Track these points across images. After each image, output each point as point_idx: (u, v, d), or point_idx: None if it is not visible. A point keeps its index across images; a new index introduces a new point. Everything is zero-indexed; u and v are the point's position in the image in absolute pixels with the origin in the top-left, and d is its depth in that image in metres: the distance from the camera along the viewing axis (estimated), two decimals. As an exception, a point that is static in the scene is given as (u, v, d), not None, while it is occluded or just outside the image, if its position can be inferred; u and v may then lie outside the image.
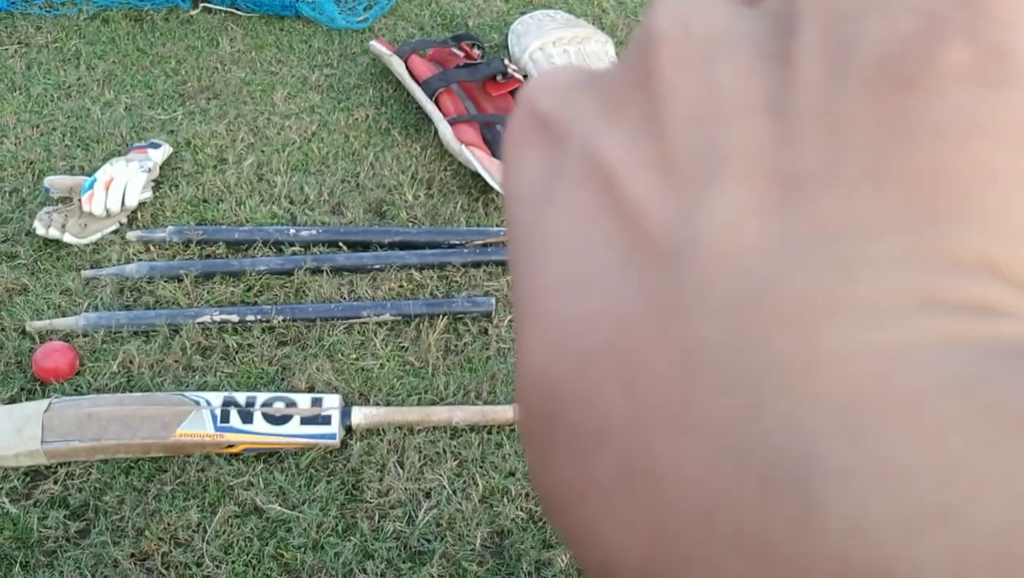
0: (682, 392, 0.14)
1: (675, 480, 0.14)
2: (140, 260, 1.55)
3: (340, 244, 1.59)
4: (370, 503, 1.21)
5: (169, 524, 1.18)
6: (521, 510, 1.21)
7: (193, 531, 1.18)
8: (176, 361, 1.39)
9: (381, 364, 1.39)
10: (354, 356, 1.40)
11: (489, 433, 1.29)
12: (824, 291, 0.14)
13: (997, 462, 0.12)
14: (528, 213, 0.18)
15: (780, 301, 0.14)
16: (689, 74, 0.16)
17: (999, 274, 0.14)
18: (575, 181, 0.17)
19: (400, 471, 1.25)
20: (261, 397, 1.29)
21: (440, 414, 1.30)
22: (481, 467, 1.25)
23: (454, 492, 1.23)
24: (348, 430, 1.29)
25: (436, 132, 1.77)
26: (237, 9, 2.19)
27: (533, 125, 0.19)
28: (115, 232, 1.59)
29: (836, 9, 0.15)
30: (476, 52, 2.00)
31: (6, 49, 2.05)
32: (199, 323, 1.43)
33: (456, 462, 1.26)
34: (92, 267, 1.53)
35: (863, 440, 0.13)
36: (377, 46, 1.96)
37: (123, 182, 1.60)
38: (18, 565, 1.14)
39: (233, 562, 1.15)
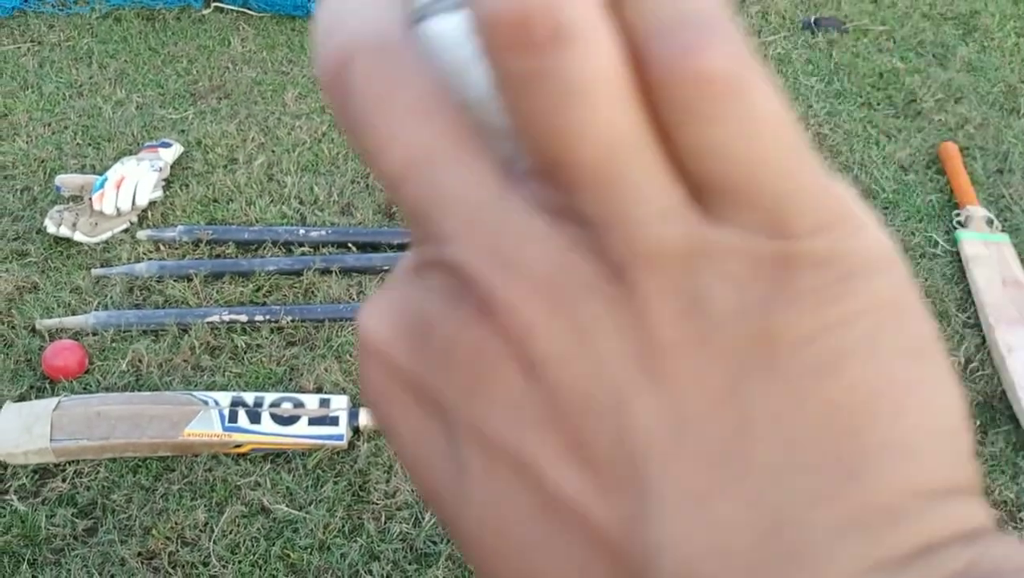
0: None
1: None
2: (150, 259, 1.55)
3: (349, 245, 1.59)
4: (377, 504, 1.21)
5: (176, 523, 1.19)
6: (528, 513, 1.21)
7: (200, 530, 1.18)
8: (185, 360, 1.39)
9: (389, 365, 1.39)
10: (362, 357, 1.40)
11: (496, 435, 1.29)
12: None
13: None
14: (447, 510, 0.17)
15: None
16: (562, 337, 0.15)
17: (926, 494, 0.15)
18: (485, 475, 0.16)
19: (407, 473, 1.25)
20: (269, 397, 1.29)
21: (447, 416, 1.30)
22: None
23: (461, 494, 1.23)
24: (355, 431, 1.29)
25: (446, 133, 1.77)
26: (249, 9, 2.19)
27: (397, 385, 0.17)
28: (125, 231, 1.60)
29: (668, 260, 0.15)
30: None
31: (19, 47, 2.06)
32: (208, 323, 1.43)
33: (463, 464, 1.26)
34: (102, 266, 1.54)
35: None
36: (388, 47, 1.96)
37: (134, 181, 1.61)
38: (26, 562, 1.15)
39: (240, 562, 1.15)
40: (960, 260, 1.60)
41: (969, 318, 1.50)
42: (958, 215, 1.68)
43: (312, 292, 1.51)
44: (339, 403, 1.29)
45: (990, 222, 1.66)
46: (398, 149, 0.16)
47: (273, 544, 1.17)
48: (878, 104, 1.98)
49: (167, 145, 1.73)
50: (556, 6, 0.14)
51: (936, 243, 1.64)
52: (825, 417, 0.15)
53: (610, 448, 0.15)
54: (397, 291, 0.17)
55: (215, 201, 1.68)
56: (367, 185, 1.72)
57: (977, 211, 1.67)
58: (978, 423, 1.34)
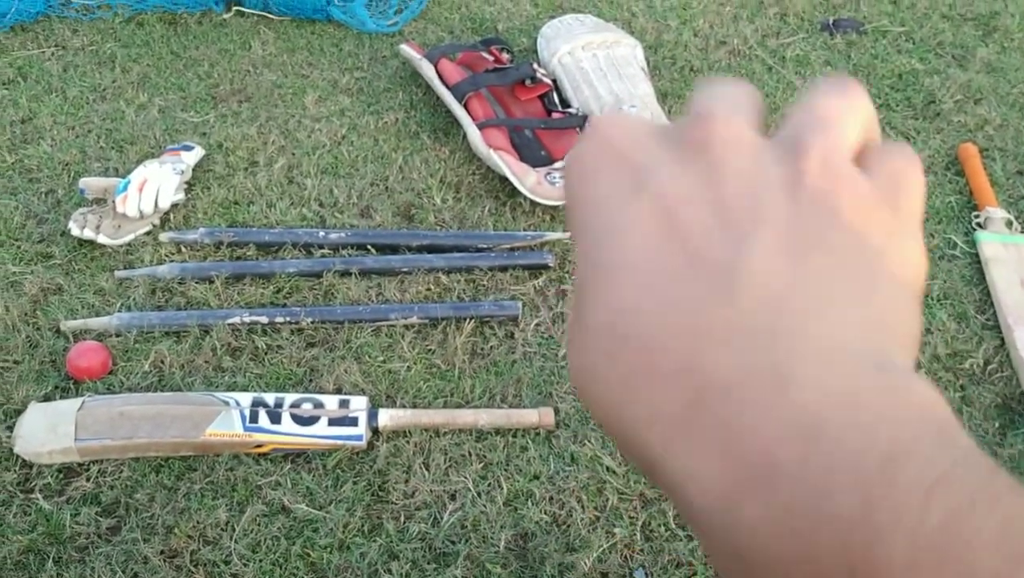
0: (719, 322, 0.22)
1: (719, 384, 0.21)
2: (172, 261, 1.57)
3: (369, 247, 1.60)
4: (396, 504, 1.22)
5: (198, 522, 1.20)
6: (545, 513, 1.21)
7: (222, 529, 1.20)
8: (206, 361, 1.40)
9: (408, 367, 1.40)
10: (381, 358, 1.41)
11: (514, 436, 1.30)
12: (805, 329, 0.22)
13: None
14: (603, 216, 0.25)
15: (791, 317, 0.22)
16: (740, 156, 0.25)
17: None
18: (648, 205, 0.24)
19: (425, 473, 1.26)
20: (289, 398, 1.31)
21: (466, 417, 1.31)
22: (506, 470, 1.26)
23: (479, 494, 1.24)
24: (375, 432, 1.30)
25: (465, 136, 1.78)
26: (269, 13, 2.21)
27: (609, 154, 0.26)
28: (148, 233, 1.62)
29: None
30: (505, 56, 2.01)
31: (43, 52, 2.09)
32: (229, 324, 1.45)
33: (481, 465, 1.27)
34: (125, 268, 1.56)
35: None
36: (407, 50, 1.98)
37: (156, 184, 1.62)
38: (51, 560, 1.17)
39: (260, 561, 1.17)
40: (979, 262, 1.59)
41: (988, 320, 1.50)
42: (977, 216, 1.68)
43: (332, 294, 1.52)
44: (358, 404, 1.30)
45: (1009, 224, 1.65)
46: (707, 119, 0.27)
47: (293, 543, 1.18)
48: (897, 105, 1.98)
49: (189, 148, 1.75)
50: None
51: (955, 245, 1.64)
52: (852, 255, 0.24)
53: (745, 206, 0.24)
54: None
55: (236, 203, 1.69)
56: (386, 188, 1.73)
57: (996, 212, 1.66)
58: (997, 425, 1.34)
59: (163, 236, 1.61)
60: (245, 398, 1.30)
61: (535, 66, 1.88)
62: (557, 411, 1.33)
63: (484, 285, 1.54)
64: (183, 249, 1.60)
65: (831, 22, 2.23)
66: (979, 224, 1.66)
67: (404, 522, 1.21)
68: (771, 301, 0.22)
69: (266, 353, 1.42)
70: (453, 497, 1.24)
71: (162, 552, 1.18)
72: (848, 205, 0.24)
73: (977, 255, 1.61)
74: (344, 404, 1.30)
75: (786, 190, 0.24)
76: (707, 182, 0.24)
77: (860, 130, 0.27)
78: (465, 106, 1.80)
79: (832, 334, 0.22)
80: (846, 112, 0.27)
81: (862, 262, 0.23)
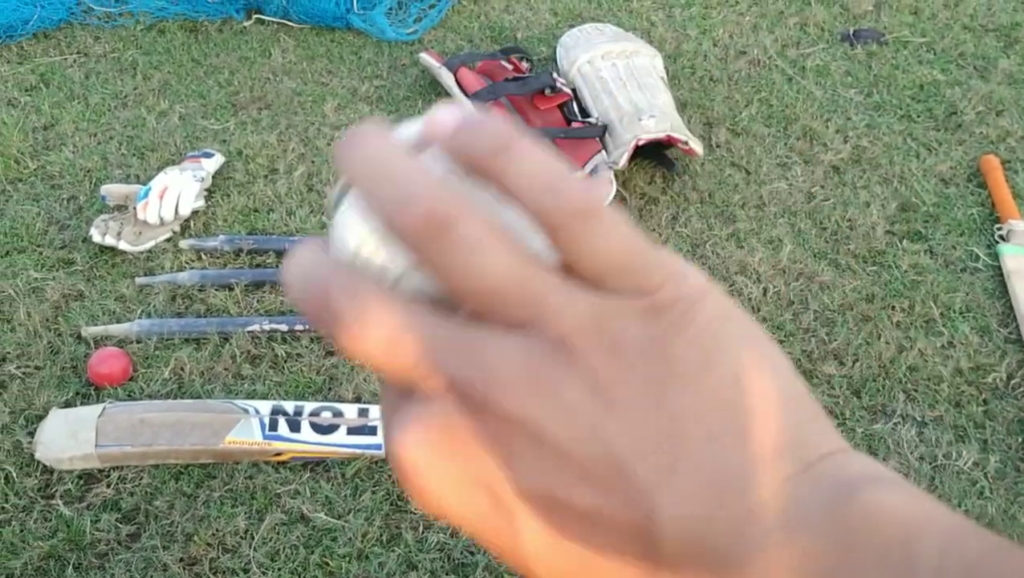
0: None
1: None
2: (192, 268, 1.58)
3: (388, 255, 1.60)
4: (414, 514, 1.22)
5: (217, 530, 1.20)
6: (564, 525, 1.21)
7: (241, 537, 1.20)
8: (226, 369, 1.41)
9: (427, 376, 1.40)
10: (400, 367, 1.41)
11: (533, 447, 1.30)
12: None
13: None
14: (503, 544, 0.25)
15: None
16: (545, 406, 0.23)
17: (810, 423, 0.25)
18: (530, 517, 0.24)
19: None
20: (309, 406, 1.31)
21: (485, 427, 1.31)
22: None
23: (498, 505, 1.23)
24: (394, 441, 1.30)
25: (484, 145, 1.78)
26: (289, 21, 2.22)
27: (450, 483, 0.25)
28: (168, 240, 1.62)
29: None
30: (524, 65, 2.01)
31: (66, 59, 2.10)
32: (249, 332, 1.45)
33: (500, 475, 1.26)
34: (146, 274, 1.56)
35: None
36: (427, 58, 1.98)
37: (177, 191, 1.63)
38: (71, 566, 1.17)
39: (279, 569, 1.17)
40: (1002, 274, 1.58)
41: (1011, 333, 1.48)
42: (999, 229, 1.66)
43: (351, 302, 1.52)
44: (378, 413, 1.30)
45: (1032, 236, 1.64)
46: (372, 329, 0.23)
47: (312, 552, 1.18)
48: (918, 116, 1.97)
49: (209, 155, 1.76)
50: (440, 211, 0.22)
51: (977, 257, 1.62)
52: (719, 396, 0.23)
53: (604, 465, 0.23)
54: (421, 420, 0.24)
55: (256, 211, 1.70)
56: (405, 196, 1.73)
57: (1019, 225, 1.65)
58: (1020, 440, 1.33)
59: (183, 243, 1.62)
60: (264, 406, 1.30)
61: (554, 75, 1.88)
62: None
63: (503, 294, 1.53)
64: (203, 256, 1.61)
65: (851, 32, 2.22)
66: (1001, 237, 1.65)
67: (423, 532, 1.20)
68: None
69: (285, 361, 1.42)
70: (472, 507, 1.23)
71: (181, 559, 1.18)
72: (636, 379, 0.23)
73: (1000, 268, 1.59)
74: (363, 413, 1.30)
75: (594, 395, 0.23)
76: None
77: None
78: (485, 115, 1.80)
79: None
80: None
81: (708, 416, 0.23)
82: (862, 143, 1.89)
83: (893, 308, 1.53)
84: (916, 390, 1.41)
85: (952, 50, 2.18)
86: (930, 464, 1.31)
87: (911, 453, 1.32)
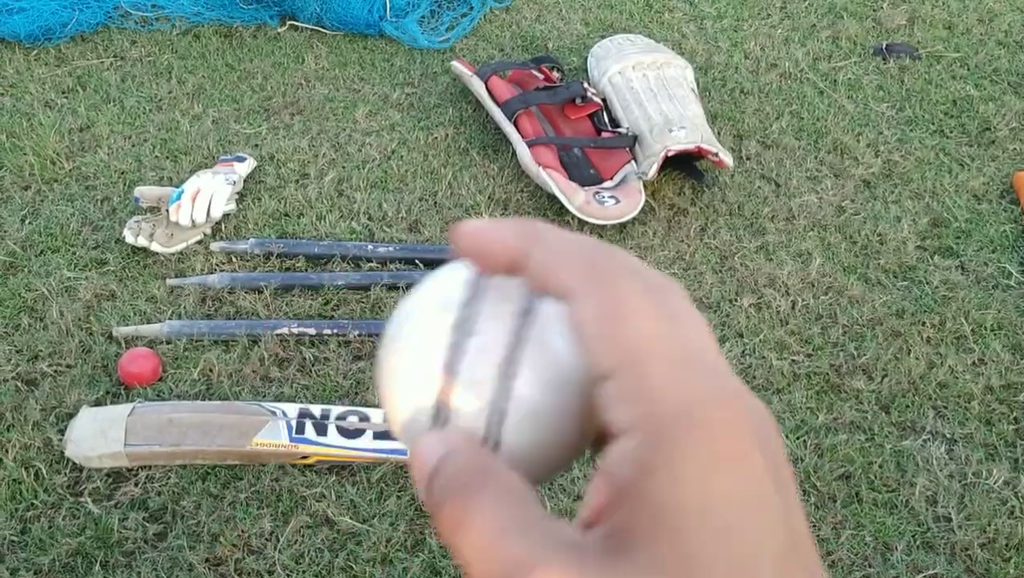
0: None
1: None
2: (222, 271, 1.59)
3: (417, 262, 1.61)
4: (439, 520, 1.22)
5: (243, 531, 1.21)
6: (588, 535, 1.21)
7: (266, 539, 1.21)
8: (254, 371, 1.42)
9: (453, 382, 1.40)
10: (427, 373, 1.41)
11: (558, 456, 1.30)
12: None
13: None
14: None
15: None
16: None
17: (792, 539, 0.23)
18: None
19: None
20: (336, 410, 1.31)
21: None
22: (549, 489, 1.26)
23: (522, 513, 1.23)
24: (419, 446, 1.30)
25: (514, 153, 1.79)
26: (322, 27, 2.24)
27: None
28: (199, 242, 1.64)
29: None
30: (555, 75, 2.01)
31: (102, 62, 2.13)
32: (277, 334, 1.46)
33: (525, 483, 1.26)
34: (177, 276, 1.58)
35: None
36: (458, 66, 1.99)
37: (209, 194, 1.65)
38: (98, 564, 1.18)
39: (304, 572, 1.17)
40: (1035, 293, 1.57)
41: (1043, 352, 1.47)
42: (1033, 247, 1.65)
43: (379, 307, 1.53)
44: (404, 418, 1.30)
45: (1066, 254, 1.62)
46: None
47: (337, 556, 1.19)
48: (951, 132, 1.95)
49: (241, 159, 1.77)
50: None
51: (1010, 274, 1.61)
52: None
53: None
54: None
55: (286, 215, 1.71)
56: (435, 203, 1.74)
57: (1053, 243, 1.63)
58: (1051, 460, 1.31)
59: (214, 245, 1.63)
60: (292, 409, 1.31)
61: (585, 85, 1.88)
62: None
63: (530, 303, 1.53)
64: (233, 259, 1.62)
65: (884, 46, 2.21)
66: (1035, 254, 1.63)
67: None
68: None
69: (313, 364, 1.43)
70: (496, 515, 1.23)
71: (207, 560, 1.19)
72: None
73: (1032, 286, 1.58)
74: (390, 418, 1.31)
75: None
76: None
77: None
78: (515, 123, 1.80)
79: None
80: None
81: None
82: (894, 157, 1.88)
83: (923, 324, 1.52)
84: (946, 407, 1.40)
85: (986, 65, 2.16)
86: (960, 482, 1.30)
87: (940, 471, 1.31)
